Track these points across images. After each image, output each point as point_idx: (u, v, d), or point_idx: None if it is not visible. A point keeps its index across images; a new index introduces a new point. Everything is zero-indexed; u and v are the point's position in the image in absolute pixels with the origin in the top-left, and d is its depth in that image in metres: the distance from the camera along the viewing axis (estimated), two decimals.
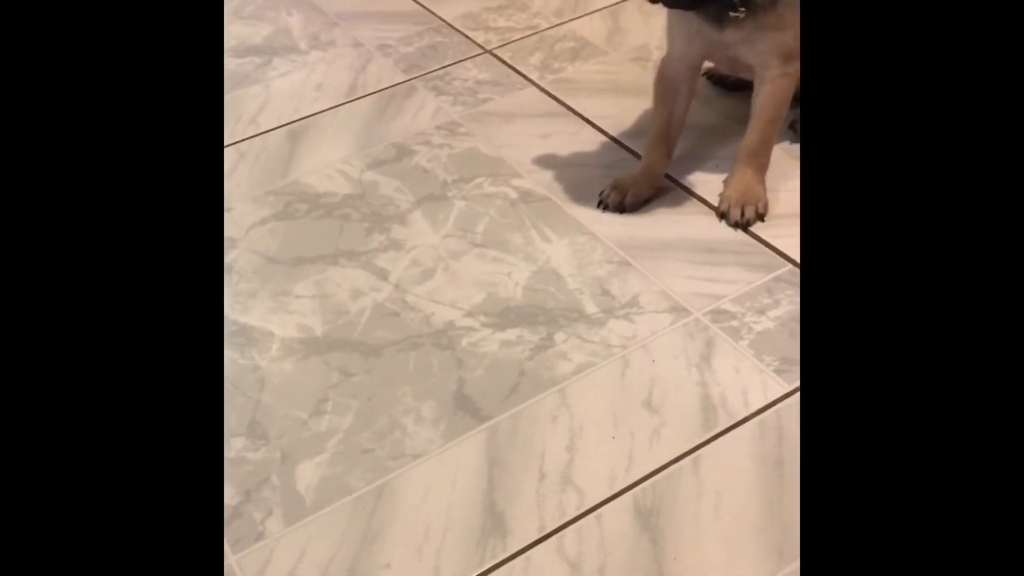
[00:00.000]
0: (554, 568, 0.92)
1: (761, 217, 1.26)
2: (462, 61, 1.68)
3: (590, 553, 0.93)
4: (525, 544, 0.94)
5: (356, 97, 1.62)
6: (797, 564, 0.90)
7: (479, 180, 1.41)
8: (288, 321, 1.22)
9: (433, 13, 1.83)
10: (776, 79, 1.22)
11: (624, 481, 0.99)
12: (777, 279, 1.20)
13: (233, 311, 1.24)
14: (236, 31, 1.83)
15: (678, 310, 1.17)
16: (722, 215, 1.27)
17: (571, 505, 0.97)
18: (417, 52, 1.72)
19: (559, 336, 1.15)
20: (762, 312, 1.16)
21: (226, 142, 1.54)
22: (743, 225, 1.25)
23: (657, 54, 1.65)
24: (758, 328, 1.14)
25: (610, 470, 1.00)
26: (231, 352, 1.18)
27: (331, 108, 1.60)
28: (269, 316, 1.23)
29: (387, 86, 1.64)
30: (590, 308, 1.18)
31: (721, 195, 1.28)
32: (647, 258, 1.24)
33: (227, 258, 1.32)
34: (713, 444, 1.02)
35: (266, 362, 1.16)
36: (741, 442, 1.02)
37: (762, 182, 1.28)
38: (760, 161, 1.27)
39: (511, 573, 0.92)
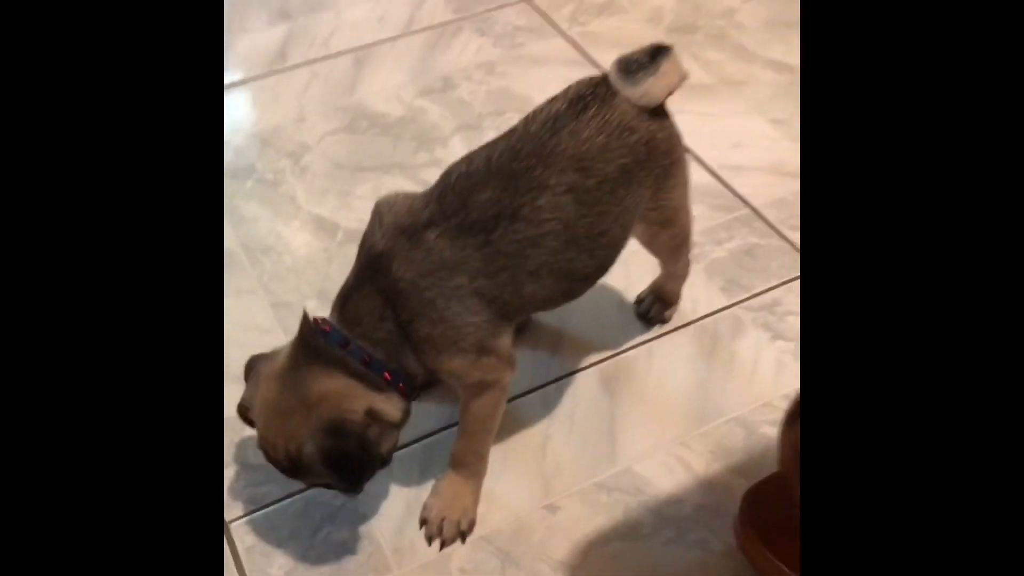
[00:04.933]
0: (535, 411, 1.29)
1: (463, 536, 1.14)
2: (503, 7, 1.97)
3: (567, 404, 1.29)
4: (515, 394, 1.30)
5: (412, 31, 1.92)
6: (711, 425, 1.26)
7: (509, 115, 1.72)
8: (351, 216, 1.56)
9: None
10: (475, 394, 1.08)
11: (596, 357, 1.35)
12: (735, 219, 1.53)
13: (308, 203, 1.58)
14: None
15: None
16: (422, 522, 1.16)
17: (556, 368, 1.33)
18: None
19: None
20: (719, 243, 1.49)
21: (302, 61, 1.85)
22: (441, 543, 1.14)
23: (669, 17, 1.94)
24: (713, 255, 1.48)
25: (587, 347, 1.36)
26: (306, 236, 1.52)
27: (390, 39, 1.90)
28: (336, 211, 1.57)
29: (438, 23, 1.93)
30: None
31: (426, 502, 1.17)
32: None
33: (303, 160, 1.65)
34: (664, 338, 1.37)
35: (333, 245, 1.51)
36: (685, 338, 1.37)
37: (474, 491, 1.16)
38: (470, 470, 1.15)
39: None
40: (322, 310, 1.40)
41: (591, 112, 1.05)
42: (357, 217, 1.55)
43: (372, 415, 1.01)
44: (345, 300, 1.04)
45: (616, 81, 1.09)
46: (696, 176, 1.56)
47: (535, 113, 1.08)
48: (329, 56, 1.86)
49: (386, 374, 1.02)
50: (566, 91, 1.10)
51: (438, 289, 0.99)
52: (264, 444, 1.04)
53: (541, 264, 1.03)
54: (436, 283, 0.99)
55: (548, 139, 1.03)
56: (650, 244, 1.25)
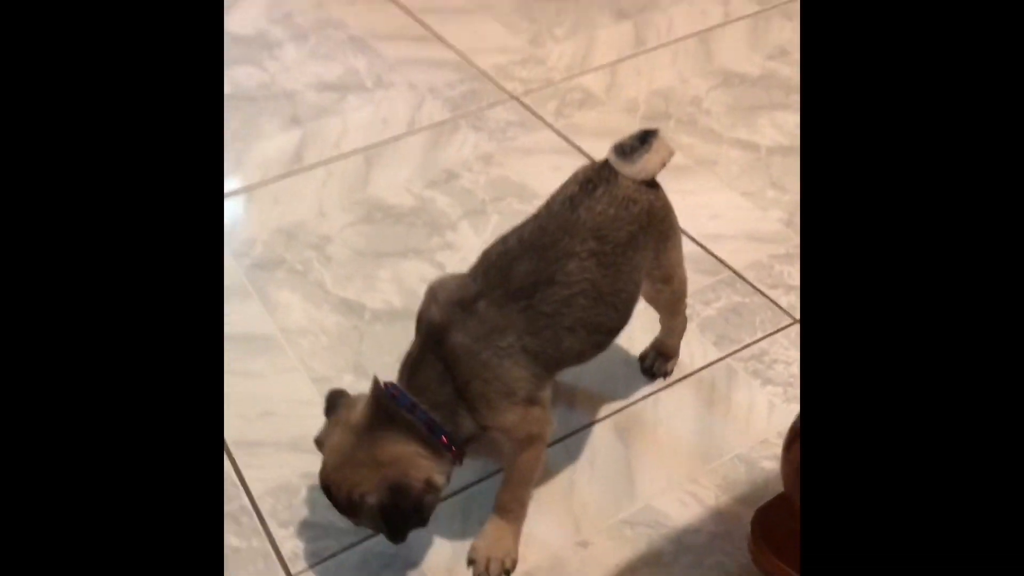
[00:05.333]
0: (560, 460, 1.44)
1: (507, 573, 1.28)
2: (494, 106, 2.19)
3: (587, 452, 1.45)
4: None
5: (414, 131, 2.12)
6: (716, 463, 1.42)
7: (509, 199, 1.92)
8: (376, 297, 1.72)
9: (472, 63, 2.33)
10: (522, 448, 1.23)
11: (609, 409, 1.51)
12: (719, 281, 1.72)
13: (335, 288, 1.74)
14: (314, 69, 2.33)
15: None
16: (470, 562, 1.29)
17: (575, 421, 1.49)
18: (459, 95, 2.22)
19: None
20: (707, 303, 1.68)
21: (317, 161, 2.04)
22: None
23: (644, 107, 2.17)
24: (704, 314, 1.66)
25: (601, 401, 1.52)
26: (337, 317, 1.68)
27: (395, 138, 2.10)
28: (362, 293, 1.73)
29: (437, 122, 2.14)
30: None
31: (473, 544, 1.31)
32: None
33: (327, 250, 1.82)
34: (668, 389, 1.54)
35: (363, 324, 1.67)
36: (686, 388, 1.54)
37: (515, 533, 1.30)
38: (513, 515, 1.29)
39: None
40: (358, 382, 1.56)
41: (600, 190, 1.24)
42: (381, 298, 1.72)
43: (429, 484, 1.17)
44: (413, 371, 1.20)
45: (615, 163, 1.28)
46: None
47: (553, 197, 1.27)
48: (341, 156, 2.06)
49: (443, 437, 1.18)
50: (575, 176, 1.29)
51: (491, 351, 1.16)
52: (328, 483, 1.19)
53: (576, 320, 1.21)
54: (489, 345, 1.16)
55: (569, 215, 1.22)
56: (655, 300, 1.43)
